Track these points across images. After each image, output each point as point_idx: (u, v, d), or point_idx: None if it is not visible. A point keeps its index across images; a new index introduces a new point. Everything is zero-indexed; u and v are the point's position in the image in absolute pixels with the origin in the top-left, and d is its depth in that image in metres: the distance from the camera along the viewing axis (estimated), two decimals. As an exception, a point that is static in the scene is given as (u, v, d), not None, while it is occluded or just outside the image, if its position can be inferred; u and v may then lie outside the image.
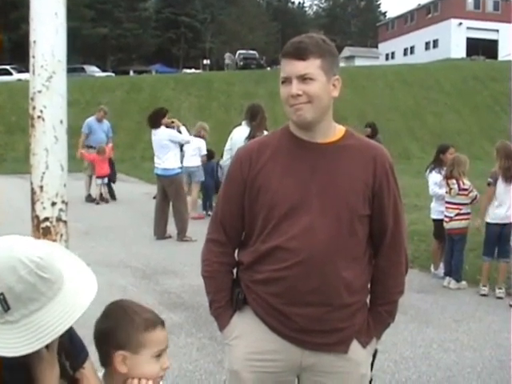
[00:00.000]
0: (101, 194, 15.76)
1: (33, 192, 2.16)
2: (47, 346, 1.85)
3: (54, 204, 2.15)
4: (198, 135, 13.40)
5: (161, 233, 11.15)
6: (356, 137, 2.70)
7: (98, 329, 2.16)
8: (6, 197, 14.50)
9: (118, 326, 2.11)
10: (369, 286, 2.72)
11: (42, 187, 2.14)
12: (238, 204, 2.68)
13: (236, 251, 2.80)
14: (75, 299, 1.79)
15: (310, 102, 2.50)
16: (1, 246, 1.73)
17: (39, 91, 2.15)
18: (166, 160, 10.91)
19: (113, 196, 16.15)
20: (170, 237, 11.16)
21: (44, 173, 2.14)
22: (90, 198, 15.77)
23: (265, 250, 2.59)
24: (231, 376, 2.74)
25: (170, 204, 11.21)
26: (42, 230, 2.14)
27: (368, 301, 2.73)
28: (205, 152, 13.33)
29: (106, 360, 2.14)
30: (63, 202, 2.18)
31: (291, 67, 2.51)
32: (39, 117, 2.14)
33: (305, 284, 2.52)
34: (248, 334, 2.67)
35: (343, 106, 27.59)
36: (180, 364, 5.50)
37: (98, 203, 15.56)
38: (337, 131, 2.66)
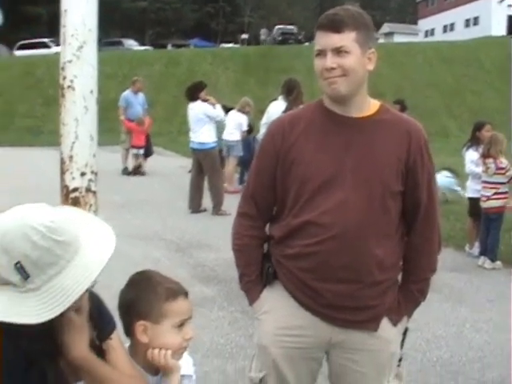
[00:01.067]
0: (138, 167, 15.85)
1: (62, 162, 2.16)
2: (77, 310, 1.86)
3: (83, 174, 2.15)
4: (241, 110, 13.38)
5: (195, 206, 11.17)
6: (391, 111, 2.65)
7: (121, 299, 2.16)
8: (42, 169, 14.62)
9: (140, 296, 2.11)
10: (401, 263, 2.67)
11: (71, 157, 2.14)
12: (269, 177, 2.65)
13: (267, 225, 2.77)
14: (93, 257, 1.78)
15: (344, 75, 2.45)
16: (11, 216, 1.72)
17: (69, 61, 2.14)
18: (201, 134, 10.92)
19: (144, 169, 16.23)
20: (204, 210, 11.18)
21: (74, 143, 2.14)
22: (126, 171, 15.86)
23: (296, 225, 2.56)
24: (260, 351, 2.73)
25: (206, 178, 11.22)
26: (71, 200, 2.15)
27: (399, 278, 2.69)
28: (246, 128, 13.31)
29: (129, 330, 2.14)
30: (93, 172, 2.17)
31: (326, 40, 2.46)
32: (69, 86, 2.14)
33: (336, 260, 2.49)
34: (278, 309, 2.65)
35: (381, 82, 27.28)
36: (211, 337, 5.52)
37: (133, 174, 15.67)
38: (371, 105, 2.61)
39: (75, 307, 1.84)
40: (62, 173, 2.15)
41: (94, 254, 1.79)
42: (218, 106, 11.46)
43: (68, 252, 1.73)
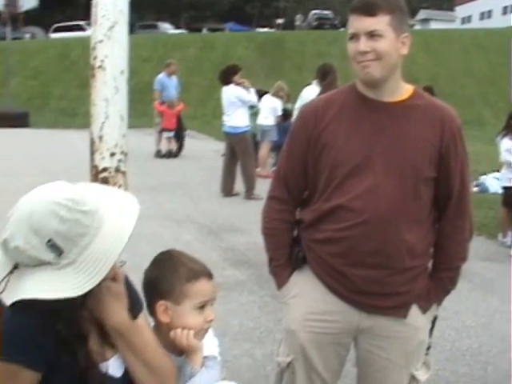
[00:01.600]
0: (171, 150, 15.92)
1: (92, 142, 2.16)
2: (113, 279, 1.88)
3: (112, 154, 2.15)
4: (275, 95, 13.34)
5: (228, 190, 11.17)
6: (424, 97, 2.60)
7: (144, 277, 2.15)
8: (75, 151, 14.70)
9: (162, 276, 2.10)
10: (431, 250, 2.64)
11: (101, 137, 2.14)
12: (301, 161, 2.63)
13: (298, 210, 2.76)
14: (121, 221, 1.80)
15: (378, 59, 2.42)
16: (34, 197, 1.74)
17: (100, 41, 2.14)
18: (234, 117, 10.91)
19: (178, 152, 16.31)
20: (237, 194, 11.17)
21: (103, 123, 2.14)
22: (159, 154, 15.92)
23: (327, 209, 2.54)
24: (288, 335, 2.72)
25: (238, 162, 11.23)
26: (100, 180, 2.15)
27: (430, 266, 2.66)
28: (280, 112, 13.25)
29: (151, 310, 2.14)
30: (122, 152, 2.17)
31: (359, 23, 2.43)
32: (100, 67, 2.14)
33: (366, 245, 2.47)
34: (306, 293, 2.64)
35: (416, 69, 26.95)
36: (241, 321, 5.53)
37: (166, 157, 15.75)
38: (404, 90, 2.57)
39: (111, 275, 1.86)
40: (92, 153, 2.16)
41: (121, 218, 1.80)
42: (252, 91, 11.42)
43: (95, 220, 1.74)
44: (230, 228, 8.90)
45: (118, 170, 2.15)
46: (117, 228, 1.78)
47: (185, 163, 15.28)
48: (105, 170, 2.14)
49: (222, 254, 7.61)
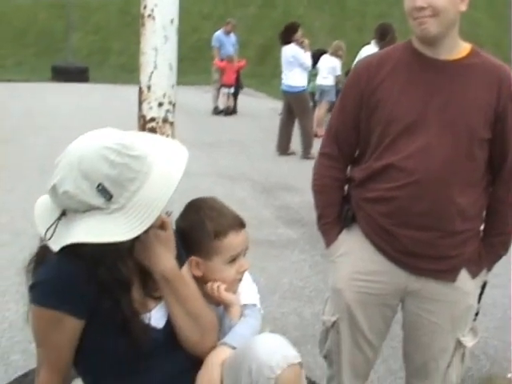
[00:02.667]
0: (229, 106, 15.93)
1: (140, 92, 2.14)
2: (161, 226, 1.89)
3: (160, 104, 2.13)
4: (334, 54, 13.18)
5: (284, 149, 11.15)
6: (482, 55, 2.50)
7: (176, 227, 2.12)
8: (132, 105, 14.79)
9: (190, 231, 2.07)
10: (484, 214, 2.56)
11: (149, 87, 2.12)
12: (353, 118, 2.56)
13: (348, 168, 2.70)
14: (171, 166, 1.79)
15: (435, 15, 2.32)
16: (83, 142, 1.74)
17: (151, -11, 2.10)
18: (292, 76, 10.86)
19: (235, 109, 16.30)
20: (293, 153, 11.13)
21: (152, 72, 2.12)
22: (216, 111, 15.96)
23: (378, 168, 2.48)
24: (334, 294, 2.69)
25: (295, 121, 11.14)
26: (147, 130, 2.13)
27: (481, 230, 2.58)
28: (339, 72, 13.10)
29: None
30: (170, 102, 2.15)
31: None
32: (149, 15, 2.11)
33: (416, 206, 2.40)
34: (354, 252, 2.60)
35: (479, 33, 26.23)
36: (291, 279, 5.53)
37: (224, 113, 15.75)
38: (462, 48, 2.47)
39: (158, 223, 1.87)
40: (140, 103, 2.14)
41: (169, 165, 1.80)
42: (308, 54, 11.32)
43: (145, 165, 1.74)
44: (284, 186, 8.87)
45: (165, 120, 2.13)
46: (166, 174, 1.77)
47: (242, 121, 15.27)
48: (152, 119, 2.12)
49: (275, 212, 7.60)
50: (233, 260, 2.08)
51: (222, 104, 16.08)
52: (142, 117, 2.13)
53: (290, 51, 10.82)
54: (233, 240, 2.07)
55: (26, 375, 1.91)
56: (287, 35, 10.88)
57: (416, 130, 2.39)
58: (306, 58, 11.12)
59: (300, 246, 6.42)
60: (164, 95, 2.11)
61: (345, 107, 2.60)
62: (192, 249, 2.08)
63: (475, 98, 2.38)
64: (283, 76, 11.17)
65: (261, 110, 17.09)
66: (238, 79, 16.14)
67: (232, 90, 15.95)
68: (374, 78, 2.48)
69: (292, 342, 4.33)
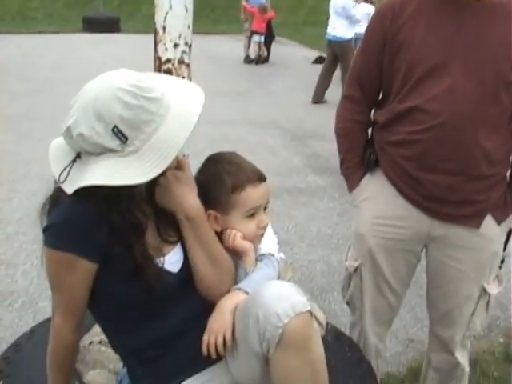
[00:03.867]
0: (260, 55, 15.83)
1: (156, 33, 2.10)
2: (177, 167, 1.87)
3: (176, 46, 2.08)
4: (368, 0, 12.94)
5: (319, 97, 11.10)
6: None
7: (195, 181, 2.08)
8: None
9: (208, 185, 2.03)
10: (511, 159, 2.48)
11: (164, 28, 2.07)
12: (376, 60, 2.48)
13: (372, 111, 2.64)
14: (188, 108, 1.75)
15: None
16: (98, 84, 1.70)
17: None
18: (339, 26, 10.79)
19: (267, 58, 16.18)
20: (325, 102, 11.05)
21: (167, 13, 2.06)
22: (248, 59, 15.89)
23: (402, 110, 2.40)
24: (357, 239, 2.66)
25: (336, 70, 11.12)
26: (163, 72, 2.10)
27: (508, 175, 2.51)
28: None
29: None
30: (186, 44, 2.10)
31: None
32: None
33: (441, 149, 2.33)
34: (377, 196, 2.55)
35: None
36: (319, 227, 5.52)
37: (255, 62, 15.64)
38: None
39: (175, 165, 1.85)
40: (156, 44, 2.10)
41: (187, 105, 1.76)
42: (363, 5, 11.20)
43: (161, 107, 1.70)
44: (314, 134, 8.81)
45: (181, 61, 2.09)
46: (182, 117, 1.73)
47: (273, 70, 15.16)
48: (168, 61, 2.08)
49: (305, 159, 7.56)
50: (252, 215, 2.03)
51: (253, 53, 15.99)
52: (157, 58, 2.09)
53: (340, 1, 10.67)
54: (250, 194, 2.02)
55: (49, 320, 1.93)
56: None
57: (441, 72, 2.31)
58: (355, 11, 10.93)
59: (329, 193, 6.39)
60: (179, 36, 2.06)
61: (367, 49, 2.52)
62: (210, 203, 2.04)
63: (502, 41, 2.28)
64: (329, 25, 11.06)
65: (293, 59, 16.93)
66: (269, 29, 16.03)
67: (262, 38, 15.82)
68: (398, 19, 2.39)
69: (319, 289, 4.40)
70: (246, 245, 2.03)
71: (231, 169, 2.03)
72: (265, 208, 2.11)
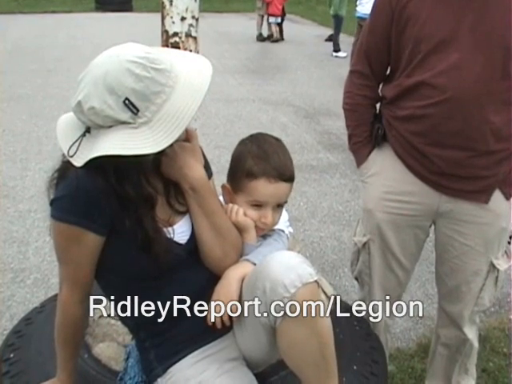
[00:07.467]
0: (272, 34, 15.81)
1: (162, 6, 2.09)
2: (186, 140, 1.89)
3: (183, 19, 2.08)
4: None
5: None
6: None
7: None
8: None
9: (235, 159, 2.06)
10: None
11: (171, 1, 2.06)
12: (384, 35, 2.46)
13: (380, 86, 2.62)
14: (197, 79, 1.76)
15: None
16: (107, 57, 1.71)
17: None
18: (366, 3, 10.82)
19: (282, 37, 16.14)
20: (341, 79, 11.03)
21: (174, -14, 2.05)
22: (260, 37, 15.83)
23: (409, 85, 2.39)
24: (365, 215, 2.66)
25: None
26: (170, 45, 2.09)
27: None
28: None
29: None
30: (193, 17, 2.10)
31: None
32: None
33: (448, 124, 2.32)
34: (385, 172, 2.55)
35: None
36: (330, 203, 5.51)
37: (271, 41, 15.63)
38: None
39: (184, 137, 1.87)
40: (163, 17, 2.09)
41: (195, 78, 1.76)
42: None
43: (170, 78, 1.71)
44: (326, 112, 8.79)
45: (188, 34, 2.08)
46: (192, 88, 1.74)
47: (286, 47, 15.10)
48: (175, 34, 2.07)
49: (317, 137, 7.54)
50: (256, 205, 2.03)
51: (265, 31, 15.91)
52: (164, 32, 2.09)
53: None
54: (260, 187, 2.00)
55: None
56: None
57: (448, 47, 2.29)
58: None
59: (341, 170, 6.39)
60: (186, 9, 2.06)
61: (375, 24, 2.50)
62: (229, 176, 2.07)
63: (510, 14, 2.26)
64: (358, 3, 11.36)
65: (306, 37, 16.85)
66: (282, 9, 16.01)
67: (279, 19, 15.81)
68: None
69: (330, 265, 4.41)
70: (247, 220, 2.02)
71: (258, 154, 2.02)
72: (280, 205, 2.09)
